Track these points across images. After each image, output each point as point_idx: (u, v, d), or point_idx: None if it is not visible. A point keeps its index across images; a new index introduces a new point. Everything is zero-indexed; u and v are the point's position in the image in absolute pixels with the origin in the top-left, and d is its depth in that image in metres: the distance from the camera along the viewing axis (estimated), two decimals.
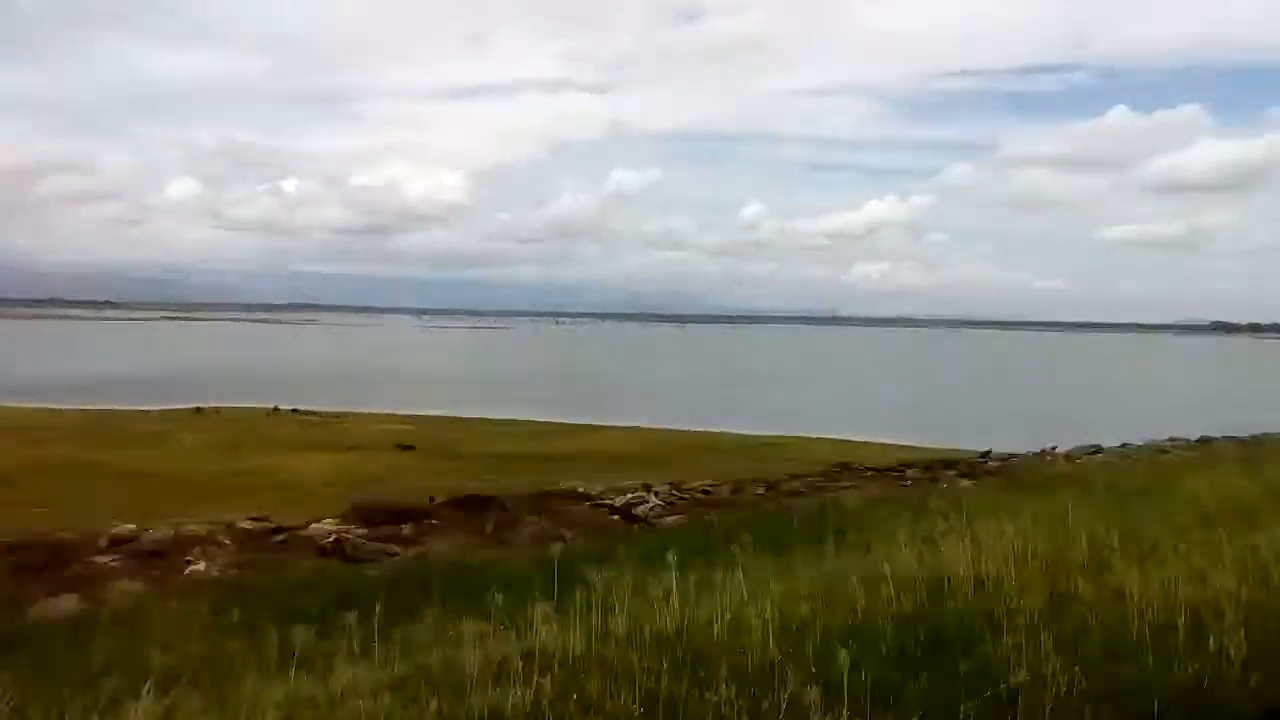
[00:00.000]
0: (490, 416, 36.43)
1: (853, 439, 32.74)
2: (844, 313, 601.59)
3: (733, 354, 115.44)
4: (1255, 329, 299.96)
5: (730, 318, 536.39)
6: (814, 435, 33.71)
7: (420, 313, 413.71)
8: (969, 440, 29.89)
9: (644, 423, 35.71)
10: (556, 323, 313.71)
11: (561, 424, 35.06)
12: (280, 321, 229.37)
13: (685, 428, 34.64)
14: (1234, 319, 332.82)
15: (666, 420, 36.50)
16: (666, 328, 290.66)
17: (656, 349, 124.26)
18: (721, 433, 34.05)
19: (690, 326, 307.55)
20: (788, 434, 33.77)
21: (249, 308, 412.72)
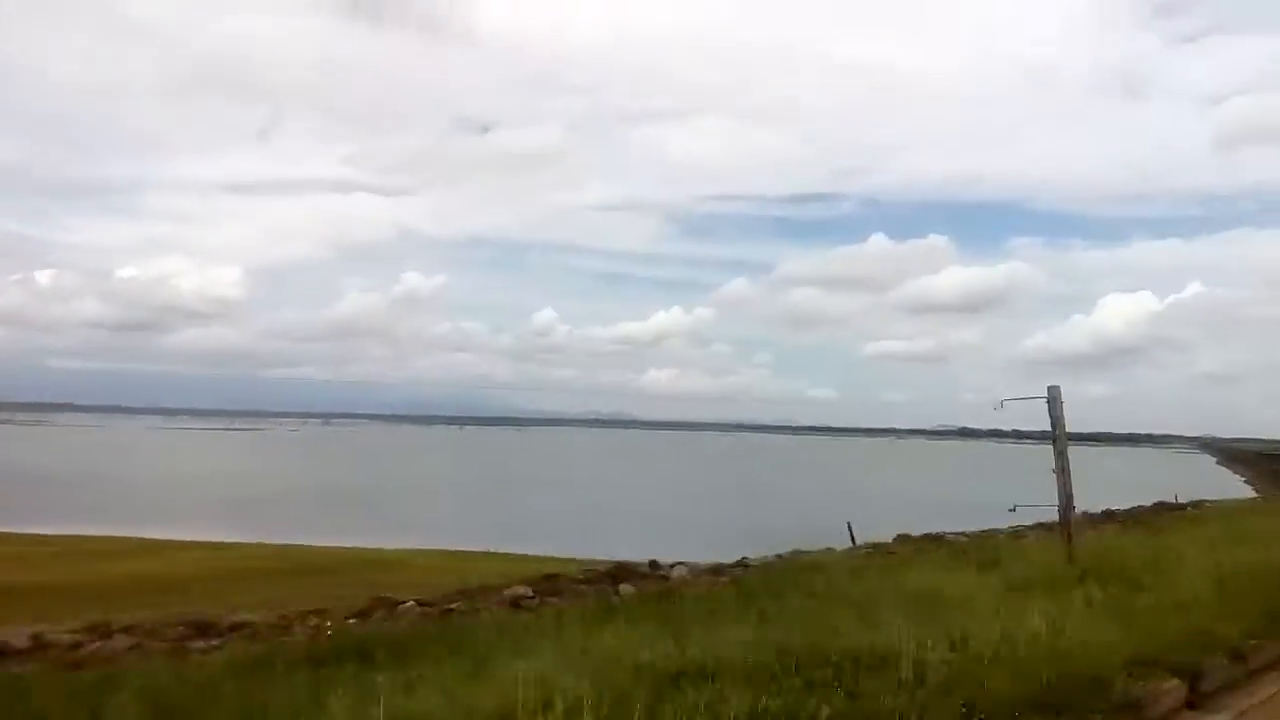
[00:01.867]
0: (56, 532, 29.39)
1: (510, 551, 28.36)
2: (634, 416, 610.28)
3: (471, 457, 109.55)
4: (995, 434, 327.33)
5: (520, 420, 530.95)
6: (461, 550, 29.06)
7: (177, 413, 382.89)
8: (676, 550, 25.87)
9: (259, 538, 29.94)
10: (322, 424, 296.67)
11: (141, 540, 28.61)
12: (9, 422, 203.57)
13: (305, 542, 29.21)
14: (976, 425, 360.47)
15: (293, 534, 31.02)
16: (446, 429, 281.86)
17: (382, 454, 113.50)
18: (349, 548, 28.86)
19: (469, 428, 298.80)
20: (427, 547, 29.07)
21: None
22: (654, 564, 20.44)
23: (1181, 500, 32.44)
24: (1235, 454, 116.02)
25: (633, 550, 26.04)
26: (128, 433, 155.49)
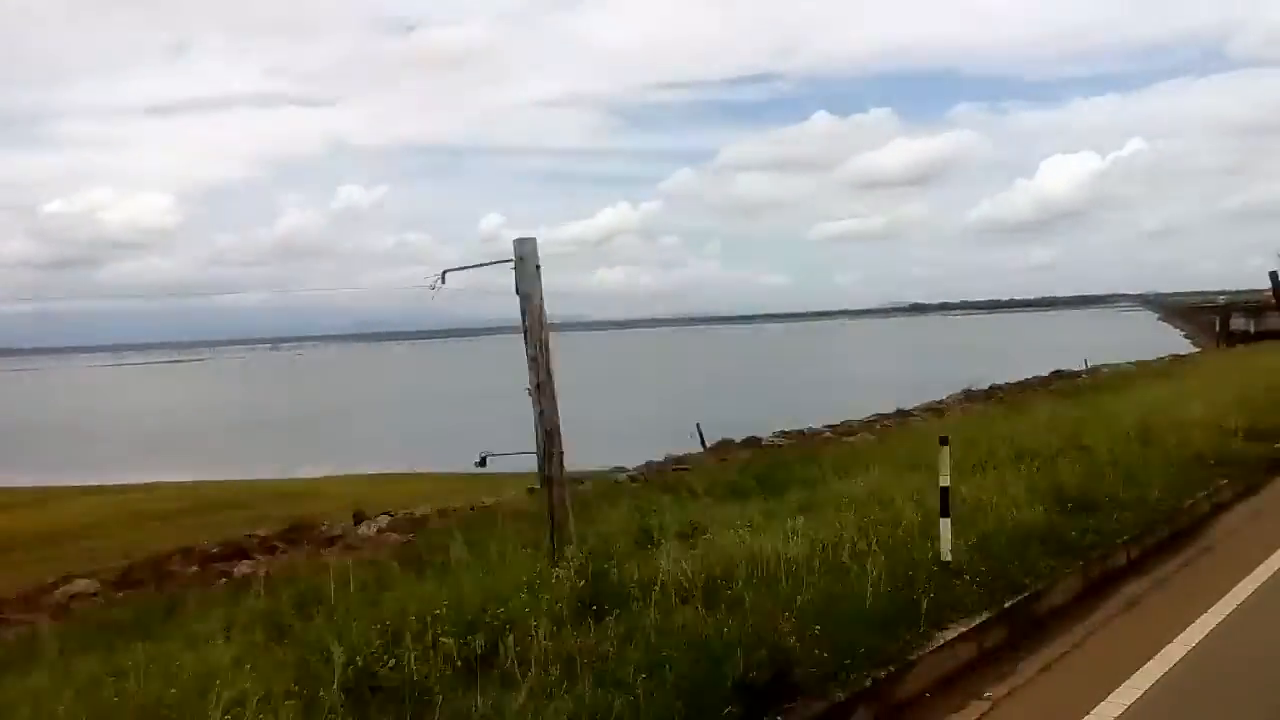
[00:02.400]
0: None
1: (439, 471, 27.84)
2: (591, 317, 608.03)
3: (411, 374, 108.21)
4: (944, 308, 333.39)
5: (475, 330, 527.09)
6: (382, 472, 28.66)
7: (121, 349, 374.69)
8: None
9: (175, 476, 29.33)
10: (272, 350, 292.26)
11: (39, 489, 27.83)
12: None
13: (212, 478, 28.67)
14: (927, 300, 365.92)
15: (209, 470, 30.49)
16: (401, 347, 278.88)
17: (319, 378, 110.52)
18: (264, 480, 28.39)
19: (421, 343, 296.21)
20: (355, 472, 28.70)
21: None
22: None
23: (1090, 366, 32.96)
24: (1176, 309, 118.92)
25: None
26: (61, 374, 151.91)
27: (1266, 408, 13.64)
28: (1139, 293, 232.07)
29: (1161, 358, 40.54)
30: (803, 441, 20.31)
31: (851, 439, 18.14)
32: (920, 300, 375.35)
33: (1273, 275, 24.20)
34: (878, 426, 21.64)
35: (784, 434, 22.86)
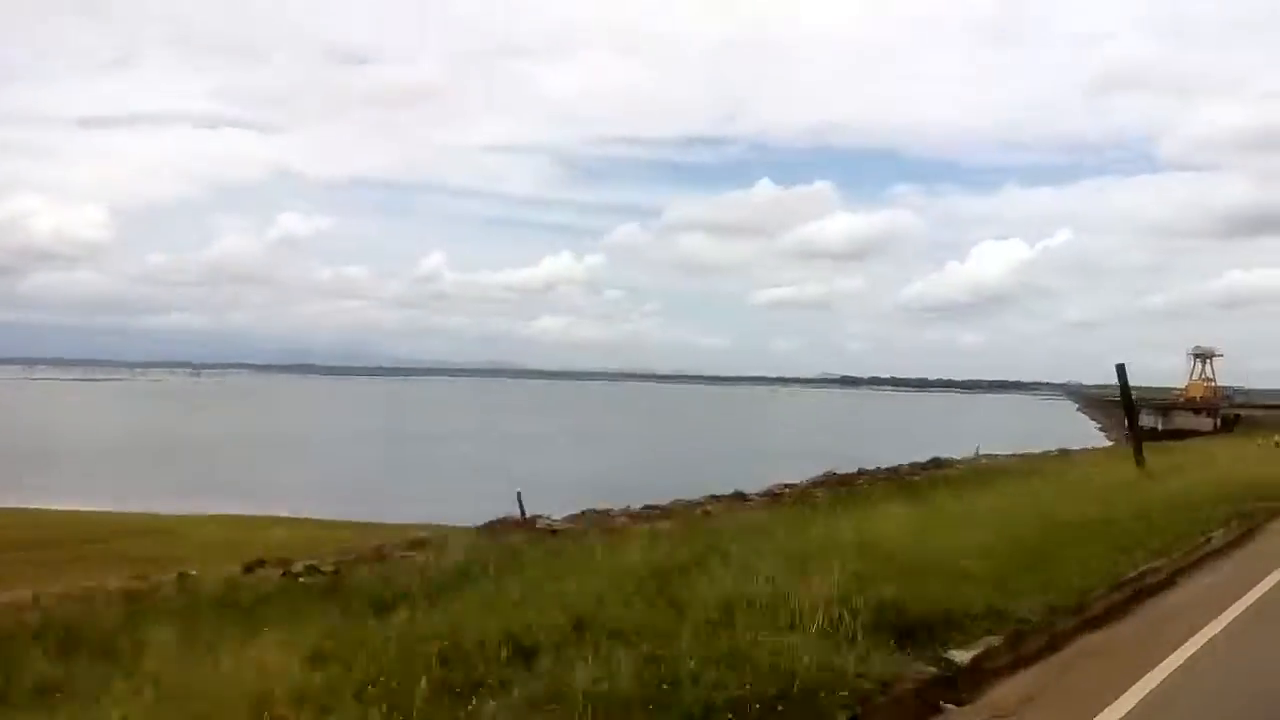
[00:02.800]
0: None
1: (306, 517, 26.21)
2: (527, 365, 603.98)
3: (325, 409, 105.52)
4: (874, 382, 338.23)
5: (408, 370, 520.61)
6: (266, 515, 26.89)
7: (39, 363, 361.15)
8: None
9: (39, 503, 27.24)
10: (191, 374, 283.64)
11: None
12: None
13: (86, 508, 26.68)
14: (858, 374, 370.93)
15: (78, 499, 28.48)
16: (321, 380, 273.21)
17: (230, 407, 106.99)
18: (125, 514, 26.56)
19: (349, 379, 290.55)
20: (225, 512, 26.89)
21: None
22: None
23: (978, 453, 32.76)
24: (1093, 400, 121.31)
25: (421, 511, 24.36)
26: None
27: (1036, 553, 9.95)
28: (1062, 381, 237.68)
29: (1049, 451, 40.07)
30: (597, 521, 18.71)
31: (648, 525, 16.39)
32: (851, 373, 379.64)
33: (1119, 369, 22.86)
34: (698, 512, 20.00)
35: (578, 515, 20.66)
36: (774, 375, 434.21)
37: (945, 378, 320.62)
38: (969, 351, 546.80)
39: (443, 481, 37.86)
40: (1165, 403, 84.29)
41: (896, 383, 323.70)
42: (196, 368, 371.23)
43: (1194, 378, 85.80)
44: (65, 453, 45.73)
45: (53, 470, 38.31)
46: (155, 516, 24.97)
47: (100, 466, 41.44)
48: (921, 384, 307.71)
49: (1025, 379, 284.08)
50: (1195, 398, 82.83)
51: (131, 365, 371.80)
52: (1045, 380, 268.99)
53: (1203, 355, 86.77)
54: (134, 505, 28.65)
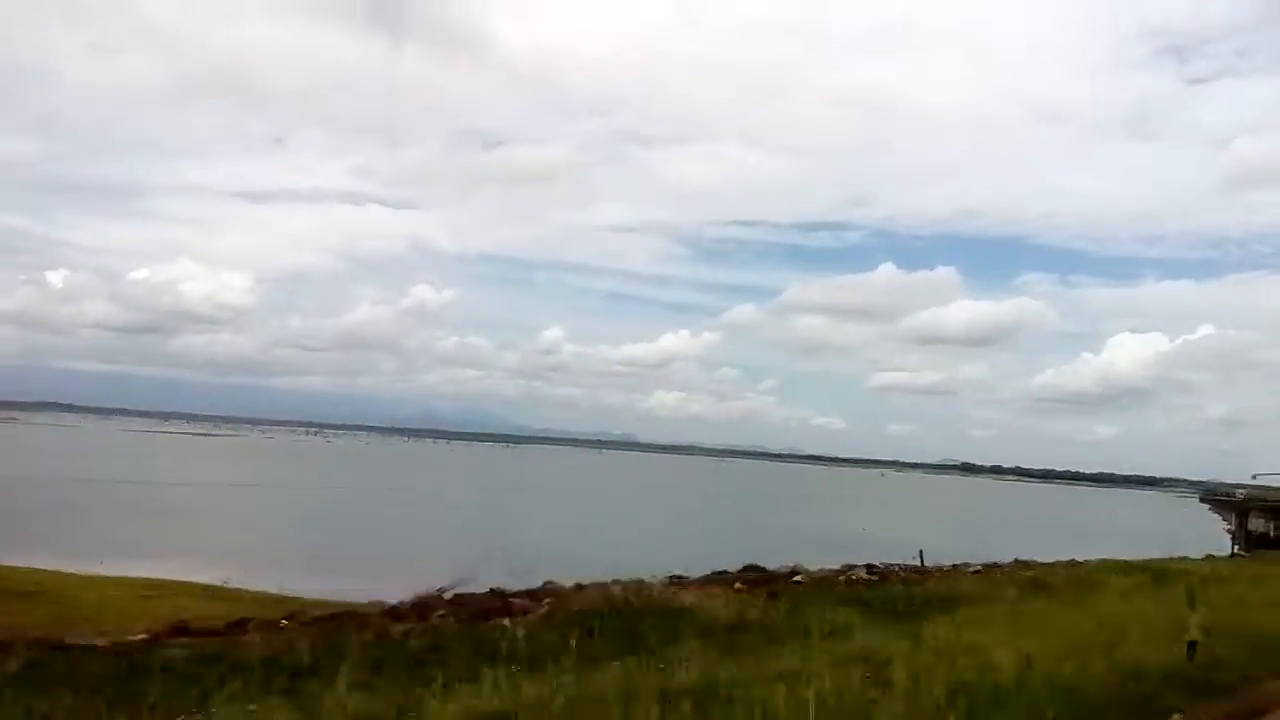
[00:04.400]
0: None
1: (235, 587, 23.92)
2: (640, 438, 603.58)
3: (423, 473, 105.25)
4: (996, 470, 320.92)
5: (522, 438, 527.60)
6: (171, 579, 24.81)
7: (174, 417, 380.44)
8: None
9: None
10: (310, 433, 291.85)
11: None
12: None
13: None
14: (979, 460, 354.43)
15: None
16: (433, 445, 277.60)
17: (311, 465, 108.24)
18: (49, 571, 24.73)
19: (456, 444, 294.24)
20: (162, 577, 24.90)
21: None
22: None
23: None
24: (1217, 501, 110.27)
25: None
26: (85, 435, 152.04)
27: None
28: (1200, 479, 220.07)
29: (1150, 560, 34.16)
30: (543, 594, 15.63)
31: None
32: (973, 460, 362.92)
33: None
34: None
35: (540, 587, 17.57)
36: (890, 459, 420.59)
37: (1072, 469, 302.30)
38: (1099, 444, 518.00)
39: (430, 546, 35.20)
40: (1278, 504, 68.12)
41: (1020, 472, 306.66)
42: (326, 428, 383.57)
43: None
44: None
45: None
46: (55, 574, 22.87)
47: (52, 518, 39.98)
48: (1046, 475, 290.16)
49: (1159, 474, 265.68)
50: None
51: (262, 423, 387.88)
52: (1182, 477, 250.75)
53: None
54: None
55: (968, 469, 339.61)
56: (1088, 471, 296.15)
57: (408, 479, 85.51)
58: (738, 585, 18.25)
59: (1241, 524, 63.78)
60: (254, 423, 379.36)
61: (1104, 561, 29.07)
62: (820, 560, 27.13)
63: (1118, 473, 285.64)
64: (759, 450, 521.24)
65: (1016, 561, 30.53)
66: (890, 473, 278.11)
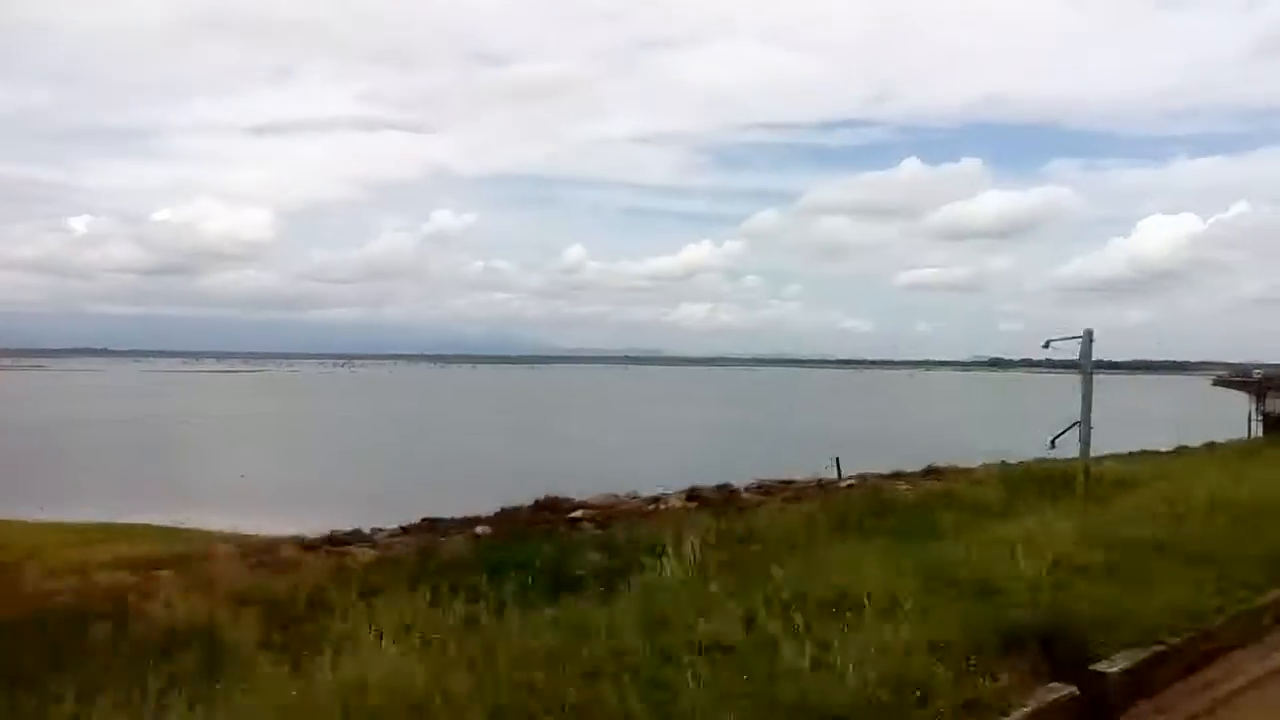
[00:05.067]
0: None
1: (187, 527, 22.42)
2: (669, 352, 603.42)
3: (441, 400, 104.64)
4: (1027, 364, 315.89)
5: (550, 358, 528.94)
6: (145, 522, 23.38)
7: (204, 355, 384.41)
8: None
9: None
10: (337, 365, 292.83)
11: None
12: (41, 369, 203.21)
13: None
14: (1010, 355, 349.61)
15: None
16: (465, 370, 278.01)
17: (352, 393, 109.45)
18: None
19: (481, 368, 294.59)
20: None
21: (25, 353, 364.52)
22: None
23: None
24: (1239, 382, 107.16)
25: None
26: (102, 377, 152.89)
27: None
28: (1238, 361, 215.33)
29: (1184, 446, 31.51)
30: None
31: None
32: (1001, 355, 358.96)
33: None
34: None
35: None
36: (920, 358, 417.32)
37: (1106, 359, 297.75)
38: (1132, 331, 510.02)
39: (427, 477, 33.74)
40: None
41: (1052, 365, 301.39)
42: (354, 358, 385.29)
43: None
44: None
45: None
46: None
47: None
48: (1077, 365, 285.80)
49: (1193, 359, 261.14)
50: None
51: (290, 358, 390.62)
52: (1220, 360, 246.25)
53: None
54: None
55: (997, 364, 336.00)
56: (1120, 360, 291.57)
57: (408, 405, 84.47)
58: None
59: (1259, 405, 59.59)
60: (286, 358, 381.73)
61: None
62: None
63: (1152, 359, 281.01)
64: (788, 358, 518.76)
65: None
66: (918, 373, 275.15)
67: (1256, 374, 70.65)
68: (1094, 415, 12.31)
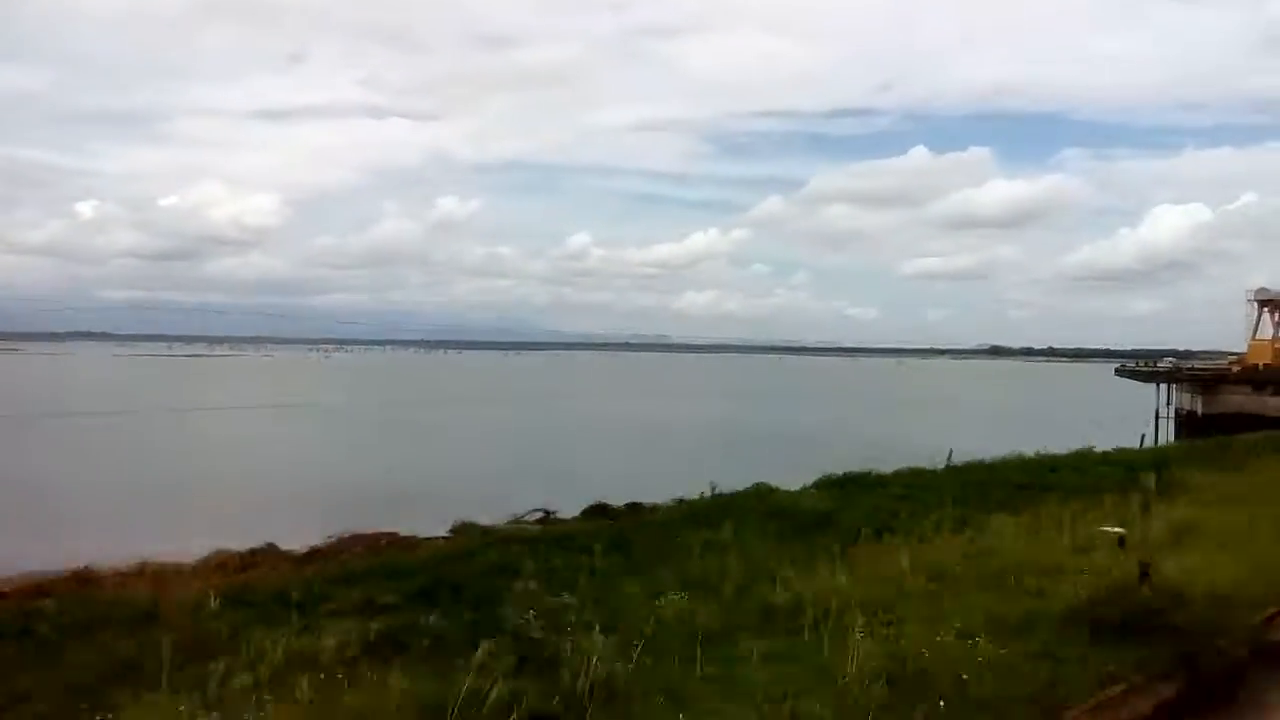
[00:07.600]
0: None
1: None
2: (674, 339, 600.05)
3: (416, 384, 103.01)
4: (1028, 353, 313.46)
5: (562, 344, 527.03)
6: None
7: (203, 340, 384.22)
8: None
9: None
10: (312, 350, 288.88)
11: None
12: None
13: None
14: (1013, 343, 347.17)
15: None
16: (459, 356, 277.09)
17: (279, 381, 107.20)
18: None
19: (466, 353, 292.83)
20: None
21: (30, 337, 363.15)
22: None
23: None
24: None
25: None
26: (77, 362, 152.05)
27: None
28: (1240, 350, 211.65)
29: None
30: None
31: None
32: (1005, 344, 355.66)
33: None
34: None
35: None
36: (926, 346, 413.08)
37: (1112, 347, 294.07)
38: (1137, 320, 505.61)
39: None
40: (1207, 374, 58.12)
41: (1052, 353, 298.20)
42: (355, 344, 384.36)
43: (1256, 335, 59.83)
44: None
45: None
46: None
47: None
48: (1079, 354, 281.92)
49: (1196, 347, 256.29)
50: (1258, 366, 56.87)
51: (297, 342, 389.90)
52: (1223, 349, 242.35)
53: (1272, 302, 59.13)
54: None
55: (996, 352, 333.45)
56: (1122, 348, 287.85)
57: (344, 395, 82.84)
58: None
59: (1169, 400, 54.74)
60: (289, 343, 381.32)
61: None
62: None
63: (1154, 348, 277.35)
64: (796, 345, 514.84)
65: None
66: (906, 361, 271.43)
67: (1166, 364, 66.93)
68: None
